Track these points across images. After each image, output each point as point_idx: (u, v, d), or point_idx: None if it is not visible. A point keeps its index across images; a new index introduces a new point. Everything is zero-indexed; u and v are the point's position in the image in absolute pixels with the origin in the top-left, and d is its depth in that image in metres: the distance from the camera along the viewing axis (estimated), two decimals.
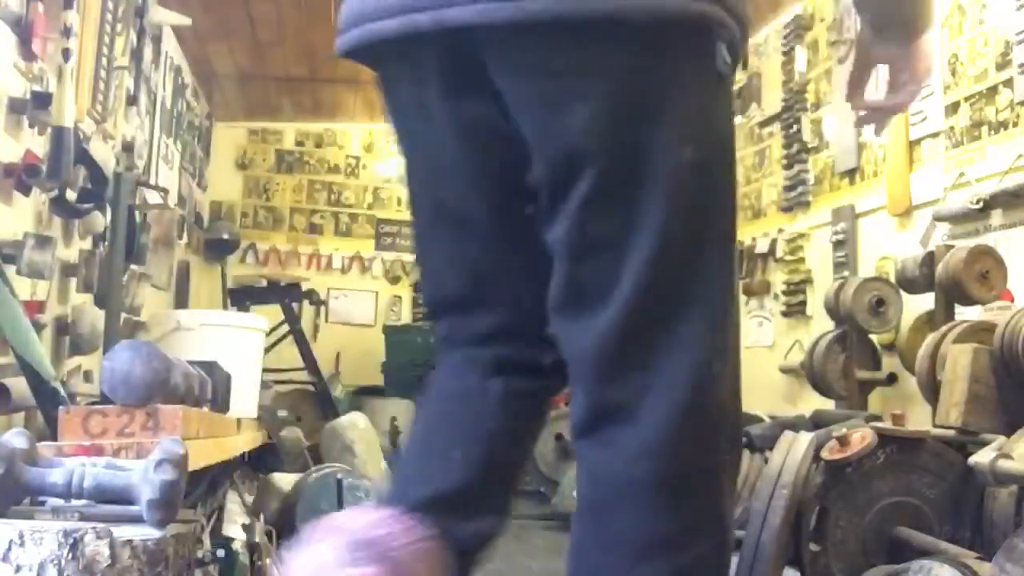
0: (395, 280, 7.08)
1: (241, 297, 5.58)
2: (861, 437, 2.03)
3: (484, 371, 1.17)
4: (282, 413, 4.64)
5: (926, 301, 3.38)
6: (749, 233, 5.18)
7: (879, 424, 2.17)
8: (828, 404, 3.88)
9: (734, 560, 2.14)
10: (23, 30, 2.69)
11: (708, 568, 1.02)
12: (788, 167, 4.74)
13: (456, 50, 1.02)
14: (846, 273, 4.12)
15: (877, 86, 1.28)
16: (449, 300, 1.20)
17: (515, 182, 1.06)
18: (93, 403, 1.76)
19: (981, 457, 1.83)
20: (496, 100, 1.03)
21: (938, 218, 3.56)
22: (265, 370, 4.12)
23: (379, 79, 1.15)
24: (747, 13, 1.08)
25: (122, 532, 1.14)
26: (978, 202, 3.26)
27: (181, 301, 5.43)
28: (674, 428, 0.98)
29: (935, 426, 2.41)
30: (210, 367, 2.53)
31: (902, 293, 3.56)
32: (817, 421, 3.23)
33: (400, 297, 7.07)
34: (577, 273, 1.03)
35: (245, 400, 3.36)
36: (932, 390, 2.74)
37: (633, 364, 1.00)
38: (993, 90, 3.34)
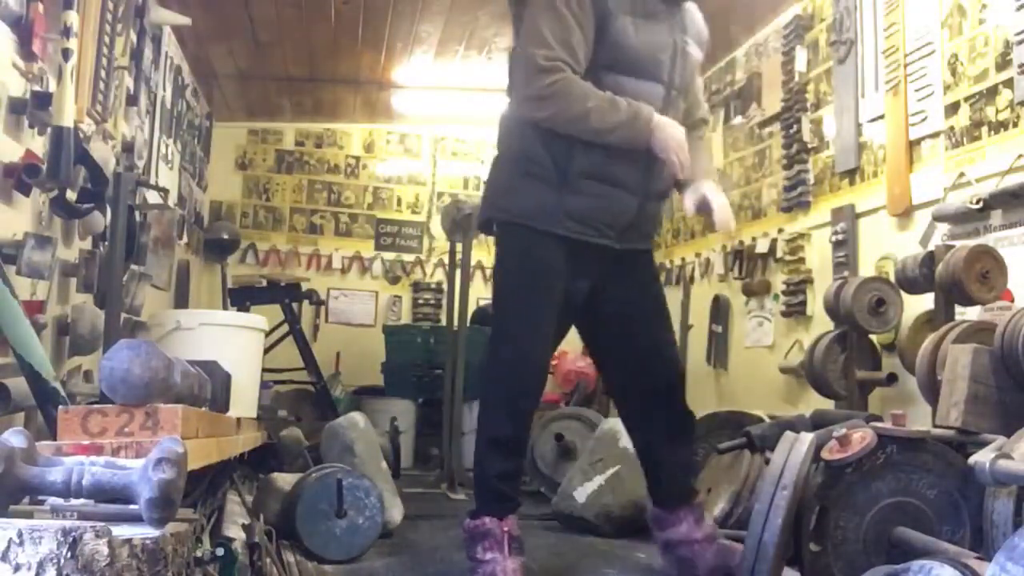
0: (395, 280, 7.08)
1: (241, 297, 5.57)
2: (861, 437, 2.03)
3: None
4: (282, 413, 4.64)
5: (926, 301, 3.38)
6: (749, 233, 5.18)
7: (879, 424, 2.17)
8: (828, 404, 3.88)
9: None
10: (23, 30, 2.69)
11: None
12: (788, 167, 4.74)
13: None
14: (846, 273, 4.12)
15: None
16: None
17: None
18: (93, 403, 1.75)
19: (981, 457, 1.83)
20: None
21: (938, 218, 3.56)
22: (265, 370, 4.12)
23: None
24: (519, 206, 2.43)
25: (121, 531, 1.14)
26: (978, 202, 3.26)
27: (181, 301, 5.43)
28: None
29: (935, 426, 2.41)
30: (210, 367, 2.53)
31: (902, 293, 3.56)
32: (817, 421, 3.22)
33: (400, 297, 7.07)
34: None
35: (245, 400, 3.36)
36: (932, 390, 2.74)
37: None
38: (993, 90, 3.34)
